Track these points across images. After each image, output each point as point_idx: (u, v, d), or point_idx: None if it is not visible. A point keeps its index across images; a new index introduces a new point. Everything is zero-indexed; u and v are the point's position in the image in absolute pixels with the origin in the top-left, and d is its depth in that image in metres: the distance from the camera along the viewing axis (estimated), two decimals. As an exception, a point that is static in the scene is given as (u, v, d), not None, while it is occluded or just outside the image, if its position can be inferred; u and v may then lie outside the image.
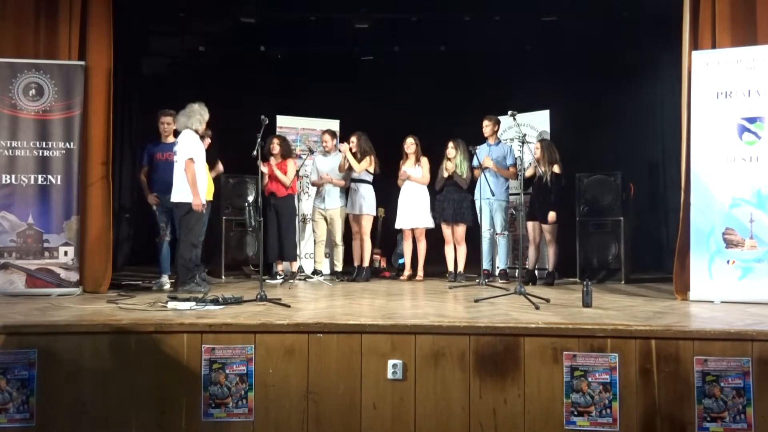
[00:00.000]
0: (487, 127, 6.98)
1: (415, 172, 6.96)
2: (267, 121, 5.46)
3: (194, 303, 4.70)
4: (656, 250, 8.15)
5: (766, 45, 5.17)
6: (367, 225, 6.98)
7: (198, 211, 5.65)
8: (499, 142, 7.06)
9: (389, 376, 3.84)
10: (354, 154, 6.94)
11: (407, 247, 7.08)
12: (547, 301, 4.98)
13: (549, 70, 8.46)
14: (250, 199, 7.37)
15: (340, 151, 7.15)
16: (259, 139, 5.44)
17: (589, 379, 3.77)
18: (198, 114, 5.73)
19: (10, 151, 5.56)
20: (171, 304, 4.68)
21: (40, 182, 5.58)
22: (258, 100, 8.18)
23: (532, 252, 6.72)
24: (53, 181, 5.61)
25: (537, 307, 4.64)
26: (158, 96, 8.55)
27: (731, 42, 5.30)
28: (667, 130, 7.72)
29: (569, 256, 7.35)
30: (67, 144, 5.64)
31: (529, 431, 3.78)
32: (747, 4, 5.30)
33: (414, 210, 6.94)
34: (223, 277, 7.34)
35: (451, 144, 6.91)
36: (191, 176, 5.56)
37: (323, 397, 3.86)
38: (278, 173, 6.95)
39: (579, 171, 7.22)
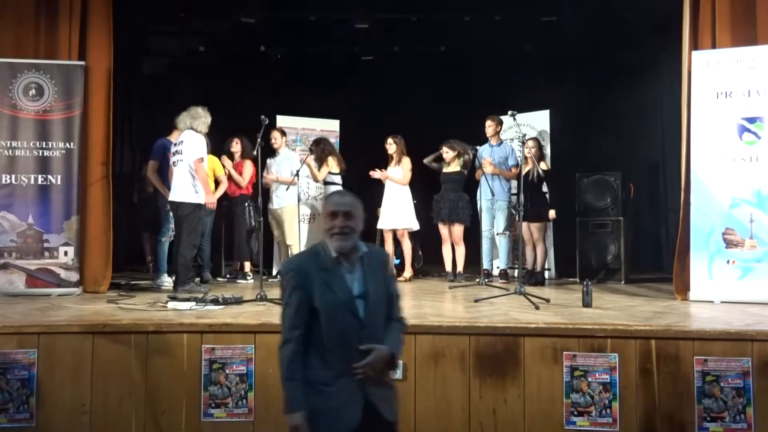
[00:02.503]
0: (489, 127, 6.97)
1: (394, 173, 6.93)
2: (267, 121, 5.46)
3: (194, 303, 4.70)
4: (656, 250, 8.15)
5: (766, 45, 5.17)
6: None
7: (212, 209, 5.84)
8: (501, 142, 7.05)
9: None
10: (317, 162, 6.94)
11: (388, 249, 7.03)
12: (547, 301, 4.98)
13: (549, 70, 8.46)
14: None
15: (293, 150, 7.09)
16: (259, 139, 5.44)
17: (589, 379, 3.77)
18: (203, 117, 5.78)
19: (10, 151, 5.56)
20: (171, 304, 4.68)
21: (40, 182, 5.58)
22: (258, 100, 8.18)
23: (528, 252, 6.71)
24: (53, 181, 5.60)
25: (537, 307, 4.64)
26: (158, 96, 8.56)
27: (731, 42, 5.29)
28: (667, 130, 7.72)
29: (569, 256, 7.35)
30: (67, 144, 5.63)
31: (529, 431, 3.78)
32: (747, 4, 5.30)
33: (394, 211, 6.92)
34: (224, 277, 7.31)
35: (445, 148, 6.86)
36: (203, 176, 5.67)
37: (323, 397, 3.86)
38: (233, 173, 6.88)
39: (579, 171, 7.22)
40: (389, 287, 2.60)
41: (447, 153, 6.86)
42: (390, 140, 6.99)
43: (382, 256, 2.67)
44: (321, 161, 6.93)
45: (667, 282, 6.05)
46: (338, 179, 6.99)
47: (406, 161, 6.90)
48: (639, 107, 8.25)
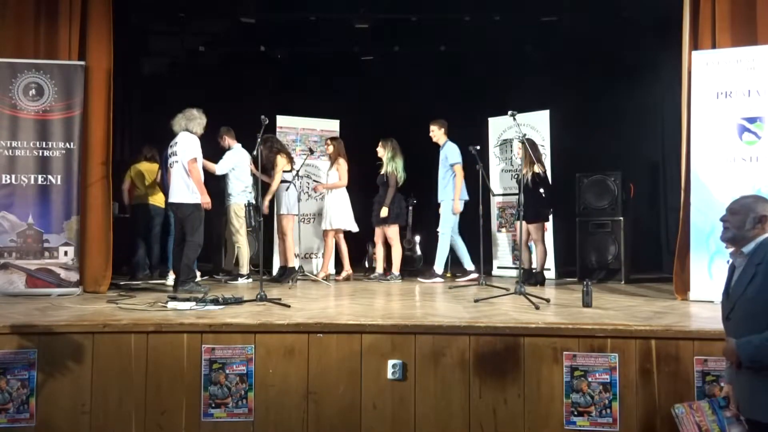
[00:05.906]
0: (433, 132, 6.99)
1: (331, 176, 7.03)
2: (267, 121, 5.47)
3: (194, 303, 4.70)
4: (656, 250, 8.14)
5: (766, 45, 5.17)
6: (285, 225, 6.83)
7: (207, 208, 5.81)
8: (446, 142, 7.00)
9: (389, 376, 3.84)
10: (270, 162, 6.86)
11: (328, 251, 7.07)
12: (547, 301, 4.98)
13: (549, 70, 8.45)
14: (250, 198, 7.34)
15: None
16: (259, 139, 5.44)
17: (589, 379, 3.77)
18: (198, 118, 5.84)
19: (10, 151, 5.56)
20: (171, 304, 4.68)
21: (40, 182, 5.58)
22: (258, 100, 8.19)
23: (525, 252, 6.69)
24: (53, 181, 5.60)
25: (537, 307, 4.64)
26: (158, 96, 8.55)
27: (731, 42, 5.30)
28: (667, 130, 7.72)
29: (569, 256, 7.35)
30: (67, 144, 5.63)
31: (529, 431, 3.78)
32: (747, 4, 5.30)
33: (330, 212, 6.97)
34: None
35: (381, 142, 6.98)
36: (196, 176, 5.69)
37: (323, 397, 3.86)
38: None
39: (579, 171, 7.22)
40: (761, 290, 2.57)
41: (379, 149, 6.97)
42: (328, 141, 7.11)
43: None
44: (271, 161, 6.77)
45: (667, 282, 6.05)
46: (289, 177, 6.88)
47: (342, 162, 6.96)
48: (639, 107, 8.24)
